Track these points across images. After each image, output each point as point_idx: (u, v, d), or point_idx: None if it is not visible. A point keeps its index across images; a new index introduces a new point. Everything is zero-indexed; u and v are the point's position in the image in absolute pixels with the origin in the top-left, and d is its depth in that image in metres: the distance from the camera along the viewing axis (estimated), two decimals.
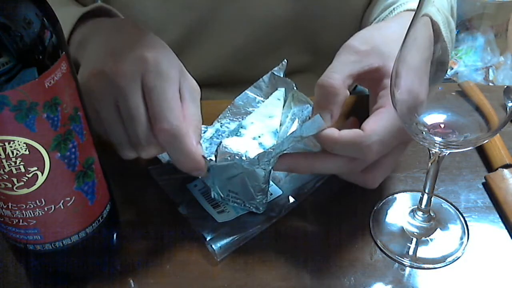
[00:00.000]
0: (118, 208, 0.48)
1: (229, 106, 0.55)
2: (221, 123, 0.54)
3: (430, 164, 0.46)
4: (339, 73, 0.46)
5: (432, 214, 0.50)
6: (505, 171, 0.53)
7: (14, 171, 0.37)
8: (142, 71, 0.45)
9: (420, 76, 0.41)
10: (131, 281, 0.46)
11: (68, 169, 0.39)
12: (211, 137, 0.52)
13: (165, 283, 0.46)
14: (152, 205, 0.53)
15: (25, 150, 0.37)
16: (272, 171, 0.48)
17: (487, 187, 0.53)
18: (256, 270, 0.47)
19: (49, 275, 0.45)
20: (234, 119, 0.55)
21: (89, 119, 0.41)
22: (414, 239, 0.49)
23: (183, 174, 0.51)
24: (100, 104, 0.46)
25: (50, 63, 0.36)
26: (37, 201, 0.39)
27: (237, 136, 0.50)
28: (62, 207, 0.40)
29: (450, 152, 0.44)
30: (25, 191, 0.38)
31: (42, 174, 0.38)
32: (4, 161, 0.37)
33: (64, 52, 0.37)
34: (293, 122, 0.51)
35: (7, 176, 0.37)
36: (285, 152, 0.47)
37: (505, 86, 0.41)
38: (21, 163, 0.37)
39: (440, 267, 0.47)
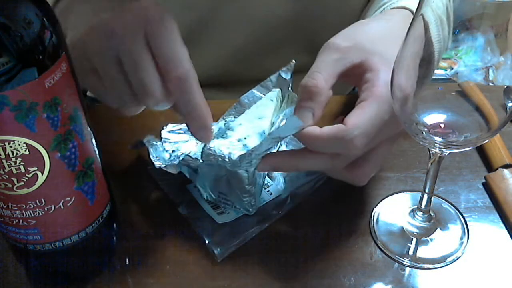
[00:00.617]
0: (118, 208, 0.48)
1: (235, 104, 0.55)
2: (226, 121, 0.54)
3: (430, 164, 0.46)
4: (322, 73, 0.46)
5: (432, 214, 0.50)
6: (505, 171, 0.53)
7: (14, 171, 0.37)
8: (144, 19, 0.42)
9: (408, 72, 0.40)
10: (131, 281, 0.46)
11: (68, 169, 0.39)
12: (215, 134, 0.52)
13: (165, 283, 0.46)
14: (152, 205, 0.53)
15: (25, 150, 0.37)
16: (266, 173, 0.48)
17: (487, 187, 0.53)
18: (256, 270, 0.47)
19: (49, 275, 0.45)
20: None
21: (79, 85, 0.39)
22: (414, 239, 0.49)
23: (183, 174, 0.51)
24: (99, 59, 0.43)
25: (50, 63, 0.36)
26: (37, 201, 0.39)
27: (223, 138, 0.50)
28: (62, 207, 0.40)
29: (450, 152, 0.44)
30: (25, 191, 0.38)
31: (42, 174, 0.38)
32: (4, 161, 0.36)
33: (64, 52, 0.37)
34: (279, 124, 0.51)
35: (7, 176, 0.37)
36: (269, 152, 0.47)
37: (505, 86, 0.41)
38: (21, 163, 0.37)
39: (440, 267, 0.47)
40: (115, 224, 0.48)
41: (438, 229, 0.50)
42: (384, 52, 0.46)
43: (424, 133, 0.43)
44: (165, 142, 0.53)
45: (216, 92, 0.74)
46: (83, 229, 0.43)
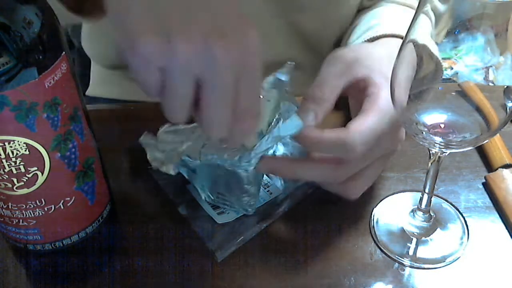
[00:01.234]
0: (118, 208, 0.48)
1: None
2: None
3: (430, 164, 0.46)
4: (328, 84, 0.47)
5: (432, 214, 0.50)
6: (505, 171, 0.53)
7: (14, 171, 0.37)
8: (244, 64, 0.36)
9: (404, 90, 0.42)
10: (131, 281, 0.46)
11: (68, 169, 0.39)
12: None
13: (165, 283, 0.46)
14: (152, 205, 0.53)
15: (25, 150, 0.37)
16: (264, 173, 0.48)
17: (487, 187, 0.53)
18: (256, 270, 0.47)
19: (49, 275, 0.45)
20: None
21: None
22: (414, 239, 0.49)
23: (183, 175, 0.51)
24: (176, 78, 0.35)
25: (50, 63, 0.36)
26: (37, 201, 0.39)
27: None
28: (62, 207, 0.40)
29: (450, 152, 0.44)
30: (25, 191, 0.38)
31: (42, 174, 0.38)
32: (4, 161, 0.37)
33: (64, 52, 0.37)
34: (278, 123, 0.51)
35: (7, 176, 0.37)
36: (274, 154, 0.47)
37: (505, 86, 0.41)
38: (21, 163, 0.37)
39: (440, 267, 0.47)
40: (115, 224, 0.48)
41: (438, 229, 0.50)
42: (385, 71, 0.47)
43: (424, 133, 0.44)
44: (161, 142, 0.52)
45: None
46: (83, 229, 0.43)
